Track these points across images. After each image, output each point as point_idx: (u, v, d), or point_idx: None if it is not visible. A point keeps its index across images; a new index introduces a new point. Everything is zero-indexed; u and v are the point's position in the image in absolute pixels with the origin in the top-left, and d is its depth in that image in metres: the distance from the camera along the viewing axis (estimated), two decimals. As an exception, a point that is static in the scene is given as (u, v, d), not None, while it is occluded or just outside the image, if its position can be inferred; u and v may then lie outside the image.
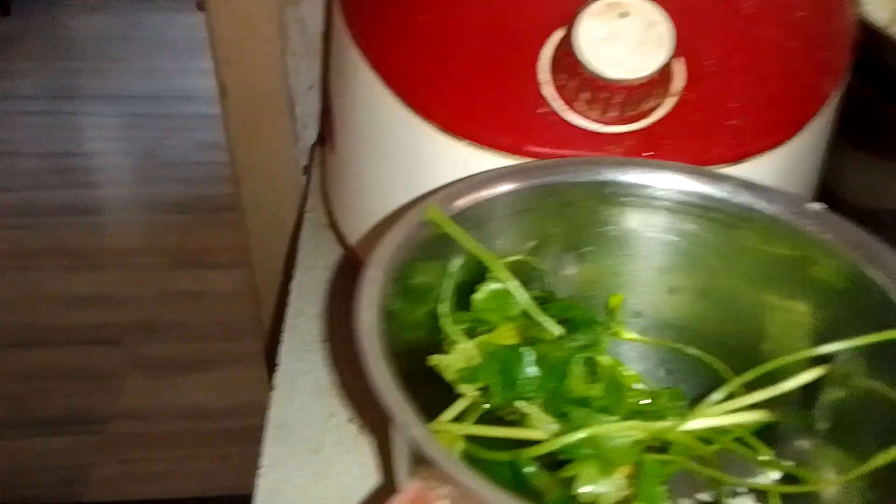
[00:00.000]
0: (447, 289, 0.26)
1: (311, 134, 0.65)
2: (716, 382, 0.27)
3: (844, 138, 0.37)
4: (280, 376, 0.39)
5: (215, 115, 2.38)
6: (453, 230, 0.24)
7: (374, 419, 0.36)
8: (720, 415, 0.23)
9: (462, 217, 0.26)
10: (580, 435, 0.22)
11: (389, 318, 0.21)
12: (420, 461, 0.18)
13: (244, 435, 1.39)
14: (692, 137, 0.30)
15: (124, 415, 1.40)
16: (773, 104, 0.31)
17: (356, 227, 0.41)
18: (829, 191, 0.38)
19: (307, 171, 0.65)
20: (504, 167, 0.29)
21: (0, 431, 1.35)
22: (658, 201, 0.27)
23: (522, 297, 0.26)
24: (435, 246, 0.25)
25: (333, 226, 0.45)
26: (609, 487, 0.22)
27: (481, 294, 0.26)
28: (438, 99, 0.32)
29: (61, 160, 2.18)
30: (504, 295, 0.26)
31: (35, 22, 2.97)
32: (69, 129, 2.36)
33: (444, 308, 0.25)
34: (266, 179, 0.67)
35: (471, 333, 0.26)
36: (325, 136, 0.45)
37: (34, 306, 1.63)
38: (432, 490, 0.18)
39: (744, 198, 0.25)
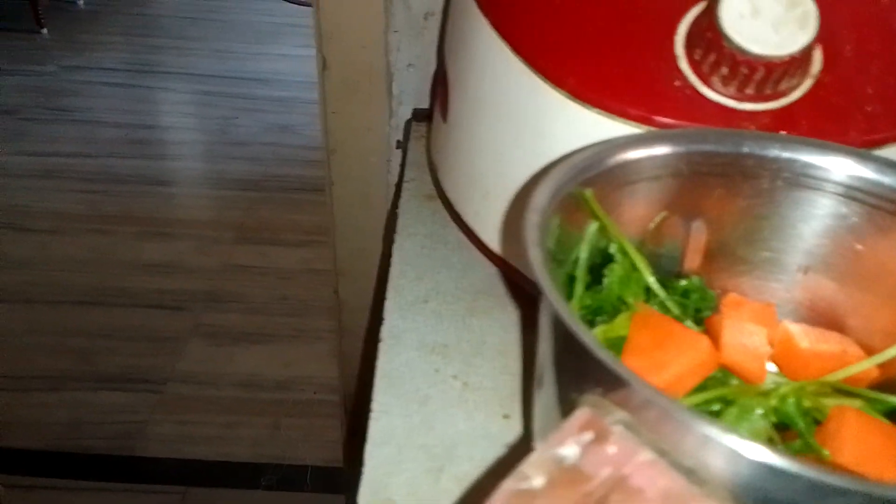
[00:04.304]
0: (584, 251, 0.27)
1: (405, 111, 0.67)
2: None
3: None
4: (386, 331, 0.40)
5: (286, 98, 2.42)
6: (594, 207, 0.25)
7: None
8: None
9: (602, 178, 0.26)
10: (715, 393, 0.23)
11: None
12: (590, 389, 0.19)
13: (296, 408, 1.43)
14: (828, 120, 0.30)
15: (182, 377, 1.45)
16: (912, 93, 0.31)
17: (467, 195, 0.43)
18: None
19: (401, 145, 0.66)
20: (647, 132, 0.29)
21: (64, 384, 1.41)
22: (807, 179, 0.27)
23: (648, 277, 0.27)
24: (573, 211, 0.26)
25: (441, 194, 0.46)
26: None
27: (612, 270, 0.27)
28: (570, 67, 0.33)
29: (137, 131, 2.26)
30: (632, 273, 0.27)
31: (120, -2, 3.09)
32: (146, 102, 2.45)
33: (581, 272, 0.26)
34: (358, 152, 0.69)
35: (599, 309, 0.27)
36: (437, 108, 0.47)
37: (105, 268, 1.70)
38: (604, 417, 0.18)
39: (890, 178, 0.26)
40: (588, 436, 0.19)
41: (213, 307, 1.63)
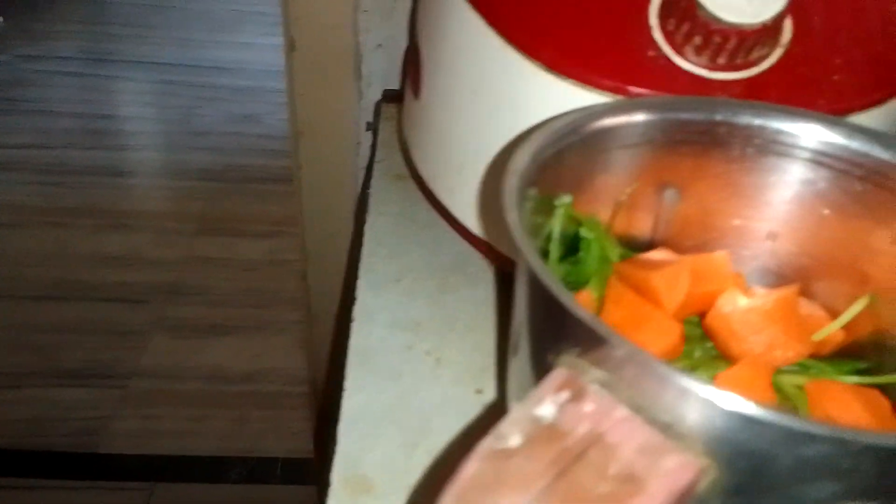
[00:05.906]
0: (555, 224, 0.27)
1: (374, 92, 0.66)
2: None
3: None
4: (358, 309, 0.40)
5: (247, 88, 2.38)
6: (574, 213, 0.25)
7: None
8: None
9: (580, 145, 0.26)
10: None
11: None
12: (567, 350, 0.19)
13: (263, 400, 1.41)
14: (797, 89, 0.31)
15: (146, 372, 1.43)
16: (876, 64, 0.32)
17: (440, 171, 0.42)
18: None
19: (371, 126, 0.65)
20: (625, 100, 0.29)
21: (24, 380, 1.38)
22: (777, 146, 0.27)
23: (613, 251, 0.27)
24: (546, 180, 0.26)
25: (413, 172, 0.46)
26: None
27: (587, 250, 0.27)
28: (545, 39, 0.33)
29: (95, 122, 2.20)
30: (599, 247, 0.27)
31: (76, -15, 3.01)
32: (104, 92, 2.39)
33: (554, 246, 0.26)
34: (326, 135, 0.68)
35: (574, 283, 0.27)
36: (409, 85, 0.46)
37: (64, 262, 1.65)
38: (581, 376, 0.18)
39: (858, 143, 0.26)
40: (565, 395, 0.18)
41: (176, 300, 1.60)
